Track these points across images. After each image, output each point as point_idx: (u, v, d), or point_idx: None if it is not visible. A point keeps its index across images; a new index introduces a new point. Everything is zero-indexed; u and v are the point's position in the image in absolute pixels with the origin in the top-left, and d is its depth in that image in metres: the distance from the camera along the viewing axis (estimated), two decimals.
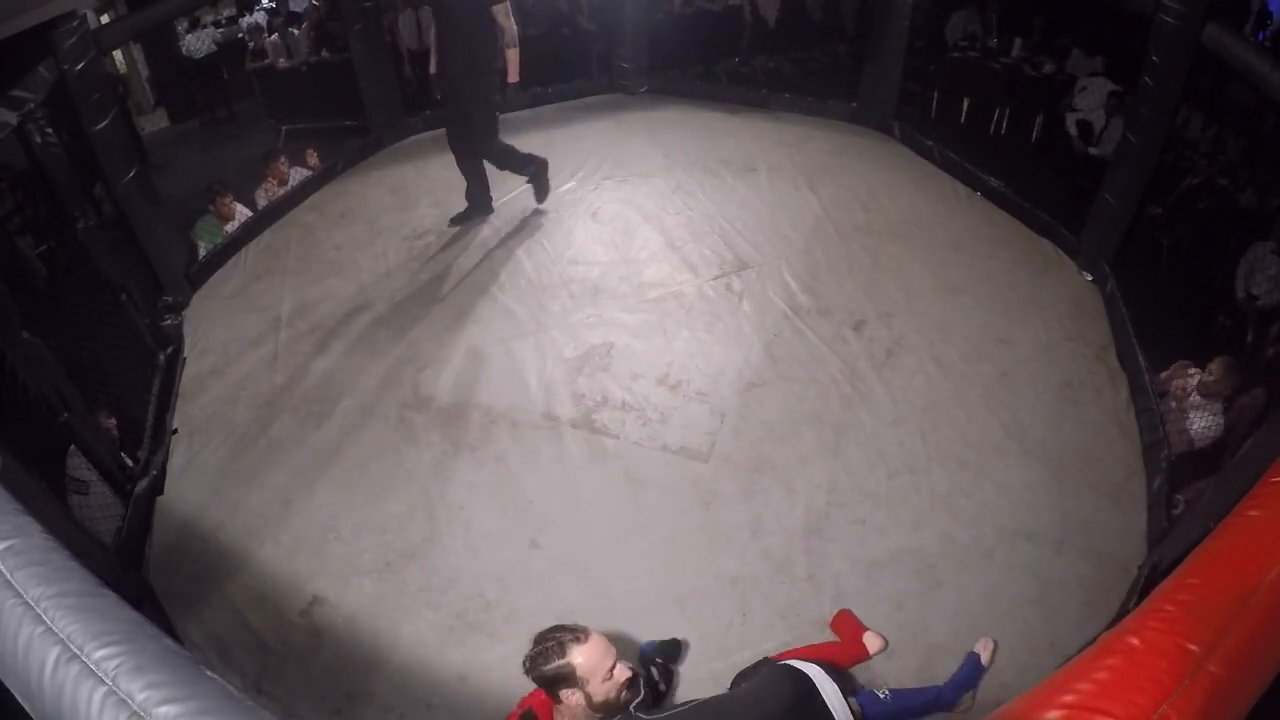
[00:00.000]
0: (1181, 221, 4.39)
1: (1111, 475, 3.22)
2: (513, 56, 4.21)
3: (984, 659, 2.55)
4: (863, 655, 2.59)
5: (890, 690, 2.32)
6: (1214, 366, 3.18)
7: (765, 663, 2.24)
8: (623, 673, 1.86)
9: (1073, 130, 5.41)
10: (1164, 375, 3.40)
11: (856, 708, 2.16)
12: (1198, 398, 3.21)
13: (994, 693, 2.48)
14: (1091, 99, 5.50)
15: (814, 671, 2.01)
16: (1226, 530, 1.44)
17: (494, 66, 4.17)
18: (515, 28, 4.17)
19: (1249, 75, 3.17)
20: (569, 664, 1.79)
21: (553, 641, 1.82)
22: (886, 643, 2.63)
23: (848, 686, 2.17)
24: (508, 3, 4.08)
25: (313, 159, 5.26)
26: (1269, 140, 4.50)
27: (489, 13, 4.03)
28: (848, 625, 2.69)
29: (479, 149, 4.45)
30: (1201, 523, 2.19)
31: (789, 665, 2.06)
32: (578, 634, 1.83)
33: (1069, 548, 2.94)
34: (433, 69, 4.41)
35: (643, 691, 2.00)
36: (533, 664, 1.82)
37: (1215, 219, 4.33)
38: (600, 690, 1.81)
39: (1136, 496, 3.14)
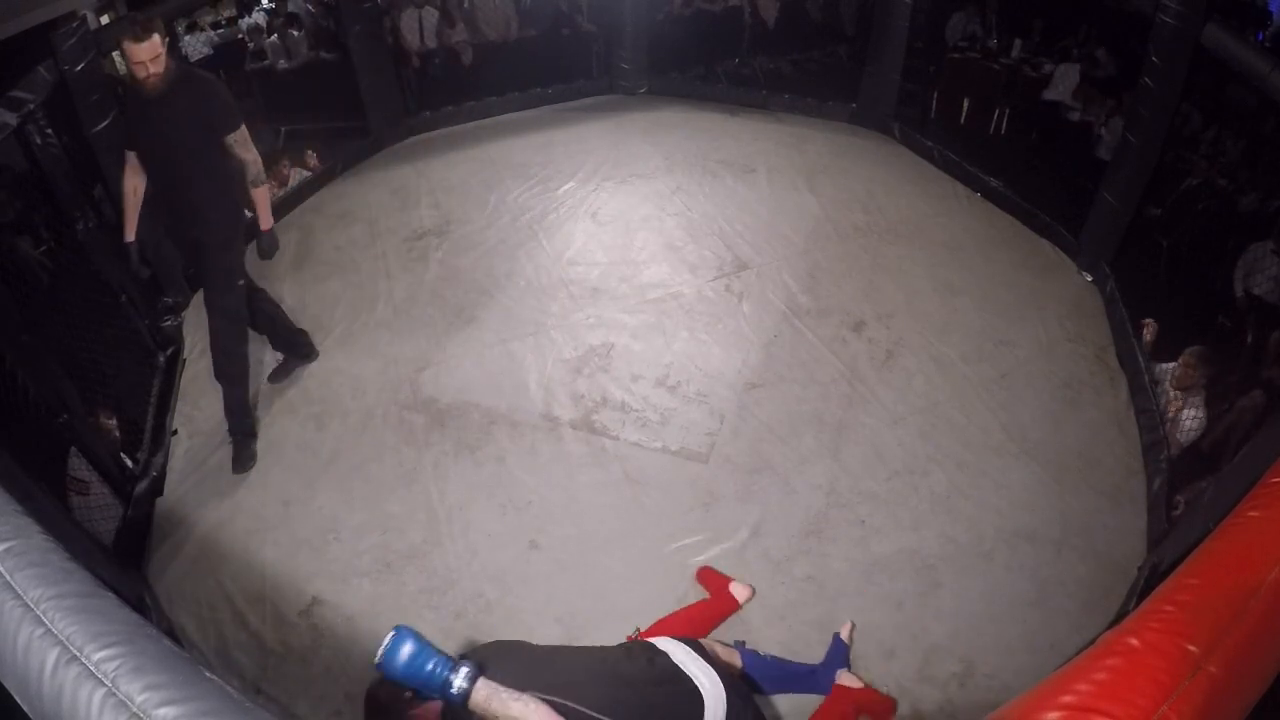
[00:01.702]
0: (1181, 222, 4.39)
1: (1111, 475, 3.23)
2: (260, 196, 3.11)
3: (844, 635, 2.61)
4: (732, 607, 2.65)
5: (772, 655, 2.41)
6: (1183, 358, 3.18)
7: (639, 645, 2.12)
8: None
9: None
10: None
11: (737, 658, 2.27)
12: (1175, 392, 3.21)
13: (994, 693, 2.48)
14: (1063, 87, 5.56)
15: (659, 640, 2.01)
16: (1226, 531, 1.43)
17: (234, 217, 3.11)
18: (259, 158, 3.05)
19: (1249, 76, 3.18)
20: None
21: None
22: (754, 591, 2.71)
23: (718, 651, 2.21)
24: (244, 129, 2.98)
25: (312, 160, 5.25)
26: (1269, 141, 4.50)
27: (220, 145, 2.94)
28: (712, 580, 2.74)
29: (214, 325, 3.18)
30: (1201, 523, 2.19)
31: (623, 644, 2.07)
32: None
33: (1068, 548, 2.94)
34: (128, 235, 3.09)
35: None
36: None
37: (1215, 220, 4.33)
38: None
39: (1136, 497, 3.14)
